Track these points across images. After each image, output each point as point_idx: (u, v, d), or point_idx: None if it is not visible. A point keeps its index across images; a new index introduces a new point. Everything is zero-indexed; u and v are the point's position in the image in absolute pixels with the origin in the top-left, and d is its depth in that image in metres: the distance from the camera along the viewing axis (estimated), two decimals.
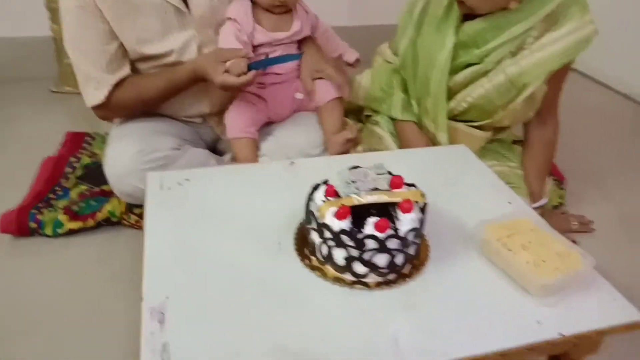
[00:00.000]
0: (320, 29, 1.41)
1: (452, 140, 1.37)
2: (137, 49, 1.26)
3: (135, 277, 1.01)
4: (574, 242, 0.97)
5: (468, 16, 1.28)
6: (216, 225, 0.93)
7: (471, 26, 1.28)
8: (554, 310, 0.78)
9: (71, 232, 1.31)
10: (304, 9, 1.36)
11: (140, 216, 1.34)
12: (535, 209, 1.25)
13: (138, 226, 1.34)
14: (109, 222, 1.34)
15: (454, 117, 1.39)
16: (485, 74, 1.30)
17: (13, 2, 2.05)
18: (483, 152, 1.40)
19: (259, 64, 1.20)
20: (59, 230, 1.29)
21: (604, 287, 0.84)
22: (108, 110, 1.30)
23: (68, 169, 1.52)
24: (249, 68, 1.17)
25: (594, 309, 0.80)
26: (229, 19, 1.28)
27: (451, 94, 1.36)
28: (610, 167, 1.78)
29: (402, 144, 1.43)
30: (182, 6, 1.24)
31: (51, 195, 1.40)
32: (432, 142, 1.40)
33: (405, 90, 1.47)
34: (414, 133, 1.43)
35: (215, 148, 1.51)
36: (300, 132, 1.39)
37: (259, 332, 0.72)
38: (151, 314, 0.74)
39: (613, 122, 2.15)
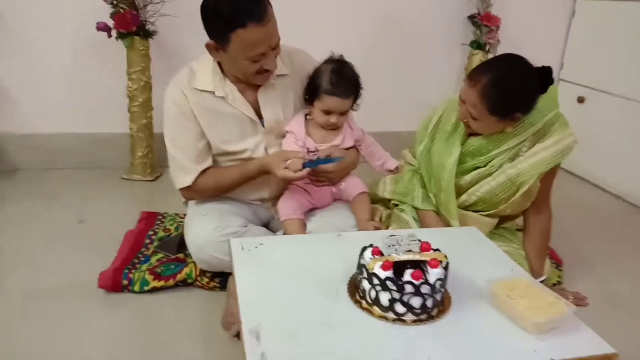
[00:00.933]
0: (365, 142, 1.72)
1: (464, 226, 1.67)
2: (220, 147, 1.62)
3: (208, 326, 1.29)
4: None
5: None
6: (287, 276, 1.22)
7: (474, 141, 1.64)
8: (546, 343, 1.05)
9: (153, 290, 1.60)
10: (349, 126, 1.69)
11: (210, 279, 1.64)
12: None
13: (208, 287, 1.64)
14: (184, 283, 1.63)
15: (465, 208, 1.71)
16: (489, 174, 1.64)
17: (101, 103, 2.50)
18: (491, 236, 1.69)
19: (311, 164, 1.54)
20: (145, 287, 1.59)
21: (585, 329, 1.11)
22: (192, 192, 1.64)
23: (147, 240, 1.85)
24: (304, 166, 1.51)
25: (577, 344, 1.06)
26: (288, 131, 1.65)
27: (462, 190, 1.69)
28: (600, 254, 2.06)
29: (424, 227, 1.74)
30: (255, 118, 1.62)
31: (135, 260, 1.71)
32: (448, 227, 1.71)
33: (424, 186, 1.80)
34: (433, 219, 1.75)
35: (269, 226, 1.83)
36: (339, 216, 1.71)
37: (330, 348, 1.00)
38: (250, 333, 1.02)
39: (603, 218, 2.47)
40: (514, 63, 1.51)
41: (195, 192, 1.65)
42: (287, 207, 1.69)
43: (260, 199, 1.77)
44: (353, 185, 1.74)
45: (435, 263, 1.12)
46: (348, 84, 1.59)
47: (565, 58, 3.02)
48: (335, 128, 1.65)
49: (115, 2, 2.19)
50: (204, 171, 1.61)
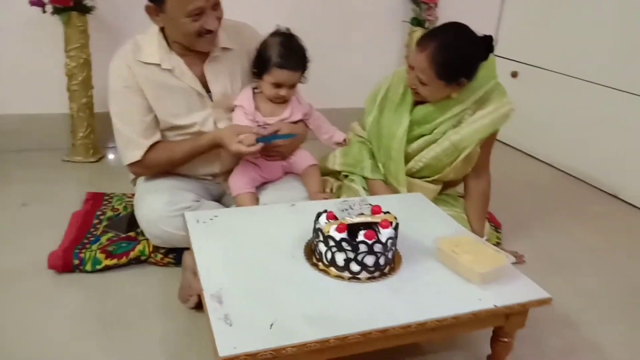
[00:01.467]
0: (313, 116, 1.74)
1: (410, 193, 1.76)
2: (168, 120, 1.61)
3: (164, 301, 1.30)
4: None
5: (419, 101, 1.74)
6: (244, 244, 1.25)
7: (421, 109, 1.72)
8: (489, 292, 1.14)
9: (106, 268, 1.58)
10: (297, 100, 1.72)
11: (165, 254, 1.63)
12: None
13: (163, 263, 1.63)
14: (138, 261, 1.62)
15: (411, 175, 1.80)
16: (434, 141, 1.73)
17: (37, 83, 2.40)
18: (435, 202, 1.78)
19: (264, 139, 1.56)
20: (98, 267, 1.57)
21: (523, 278, 1.21)
22: (142, 167, 1.62)
23: (95, 220, 1.81)
24: (257, 141, 1.53)
25: (517, 291, 1.16)
26: (237, 105, 1.65)
27: (409, 157, 1.77)
28: (535, 218, 2.22)
29: (373, 195, 1.81)
30: (203, 91, 1.62)
31: (85, 240, 1.68)
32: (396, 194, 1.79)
33: (373, 156, 1.87)
34: (382, 188, 1.82)
35: (221, 202, 1.83)
36: (291, 188, 1.75)
37: (289, 307, 1.04)
38: (211, 297, 1.05)
39: (538, 185, 2.64)
40: (460, 31, 1.60)
41: (145, 168, 1.64)
42: (239, 182, 1.71)
43: (211, 174, 1.77)
44: (303, 158, 1.77)
45: (386, 224, 1.18)
46: (298, 56, 1.61)
47: (499, 34, 3.16)
48: (284, 101, 1.68)
49: None
50: (153, 146, 1.60)
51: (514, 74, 3.02)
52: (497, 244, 1.93)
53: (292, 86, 1.64)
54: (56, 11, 2.14)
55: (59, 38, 2.23)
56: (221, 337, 0.95)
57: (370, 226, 1.19)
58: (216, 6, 1.51)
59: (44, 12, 2.14)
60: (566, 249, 2.00)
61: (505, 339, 1.23)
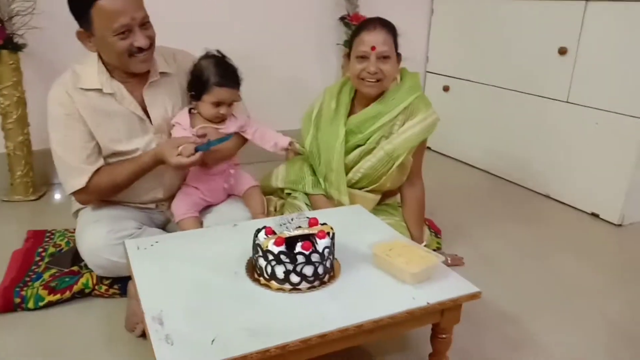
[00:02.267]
0: (251, 128, 1.77)
1: (351, 204, 1.82)
2: (110, 146, 1.62)
3: (111, 332, 1.30)
4: None
5: (351, 113, 1.83)
6: (185, 265, 1.27)
7: (354, 119, 1.83)
8: (422, 290, 1.20)
9: (49, 305, 1.56)
10: (231, 117, 1.76)
11: (109, 286, 1.62)
12: None
13: (108, 295, 1.62)
14: (82, 294, 1.60)
15: (351, 186, 1.87)
16: (370, 152, 1.82)
17: None
18: (375, 212, 1.87)
19: (202, 147, 1.58)
20: (40, 303, 1.54)
21: (453, 275, 1.28)
22: (87, 193, 1.61)
23: (37, 258, 1.78)
24: (196, 150, 1.56)
25: (448, 288, 1.23)
26: (174, 123, 1.69)
27: (347, 169, 1.85)
28: (473, 222, 2.33)
29: (315, 210, 1.87)
30: (144, 116, 1.65)
31: (27, 279, 1.65)
32: (337, 206, 1.85)
33: (313, 173, 1.94)
34: (323, 202, 1.88)
35: (165, 230, 1.84)
36: (234, 210, 1.78)
37: (231, 321, 1.07)
38: (153, 320, 1.07)
39: (473, 190, 2.78)
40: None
41: (90, 194, 1.63)
42: (181, 207, 1.74)
43: (155, 200, 1.78)
44: (243, 180, 1.82)
45: (322, 234, 1.23)
46: (234, 74, 1.68)
47: (430, 52, 3.34)
48: (222, 120, 1.72)
49: None
50: (96, 171, 1.60)
51: (446, 88, 3.18)
52: (438, 249, 2.02)
53: (230, 104, 1.69)
54: None
55: None
56: (163, 358, 0.96)
57: (307, 238, 1.24)
58: (145, 24, 1.55)
59: None
60: (502, 248, 2.11)
61: (444, 335, 1.29)
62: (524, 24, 2.65)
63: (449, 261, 1.89)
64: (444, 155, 3.28)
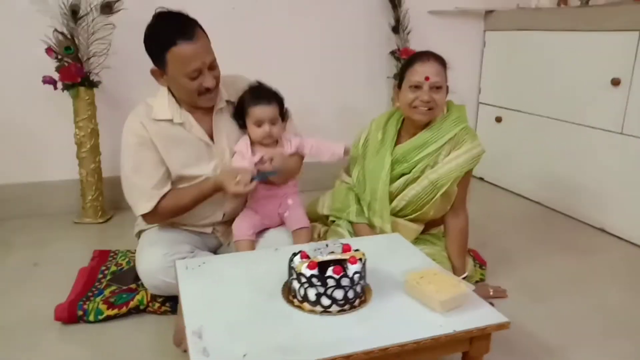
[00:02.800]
0: (307, 147, 1.87)
1: (394, 232, 1.86)
2: (179, 171, 1.75)
3: (160, 346, 1.41)
4: (491, 304, 1.37)
5: (397, 143, 1.90)
6: (227, 286, 1.37)
7: (401, 148, 1.89)
8: (450, 318, 1.23)
9: (108, 318, 1.70)
10: (287, 139, 1.87)
11: (162, 303, 1.75)
12: None
13: (160, 312, 1.75)
14: (137, 310, 1.74)
15: (395, 214, 1.92)
16: (414, 180, 1.86)
17: (50, 152, 2.62)
18: (418, 241, 1.91)
19: (258, 177, 1.71)
20: (100, 317, 1.68)
21: (483, 304, 1.30)
22: (155, 215, 1.75)
23: (100, 275, 1.95)
24: (252, 179, 1.68)
25: (477, 317, 1.25)
26: (236, 151, 1.81)
27: (392, 197, 1.90)
28: (521, 253, 2.30)
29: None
30: (210, 142, 1.79)
31: (89, 294, 1.81)
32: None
33: (358, 202, 2.00)
34: (366, 230, 1.93)
35: (216, 253, 1.95)
36: (285, 237, 1.87)
37: (263, 338, 1.15)
38: (192, 334, 1.16)
39: (524, 221, 2.73)
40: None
41: (157, 215, 1.76)
42: (241, 228, 1.84)
43: (213, 223, 1.90)
44: (296, 218, 1.87)
45: (354, 260, 1.29)
46: (267, 93, 1.79)
47: (482, 84, 3.35)
48: (274, 141, 1.82)
49: (60, 57, 2.34)
50: (163, 196, 1.73)
51: (498, 119, 3.17)
52: (481, 280, 2.01)
53: (274, 122, 1.78)
54: (66, 87, 2.37)
55: (69, 110, 2.45)
56: None
57: (339, 262, 1.30)
58: (213, 66, 1.69)
59: (56, 88, 2.38)
60: (549, 280, 2.07)
61: None
62: (576, 55, 2.62)
63: (492, 293, 1.88)
64: (496, 185, 3.24)
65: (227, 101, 1.83)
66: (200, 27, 1.67)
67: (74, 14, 2.31)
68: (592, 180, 2.60)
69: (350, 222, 1.98)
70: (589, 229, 2.60)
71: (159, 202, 1.72)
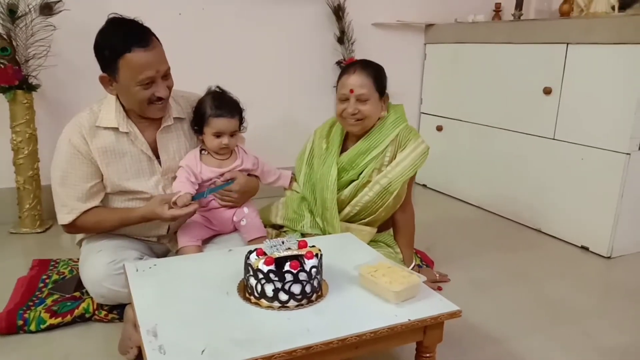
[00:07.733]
0: (260, 167, 1.92)
1: None
2: (118, 184, 1.70)
3: (107, 354, 1.40)
4: (439, 288, 1.41)
5: (343, 150, 1.93)
6: (181, 285, 1.35)
7: (345, 156, 1.92)
8: (404, 308, 1.27)
9: (50, 327, 1.62)
10: (243, 150, 1.87)
11: (109, 311, 1.69)
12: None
13: (107, 319, 1.68)
14: (82, 318, 1.67)
15: (349, 219, 1.94)
16: (364, 185, 1.90)
17: None
18: (372, 244, 1.94)
19: (199, 195, 1.68)
20: (42, 326, 1.60)
21: (435, 295, 1.35)
22: (73, 228, 1.71)
23: (40, 284, 1.85)
24: (193, 198, 1.65)
25: (430, 306, 1.29)
26: (181, 166, 1.77)
27: (344, 203, 1.93)
28: (465, 252, 2.39)
29: None
30: (153, 157, 1.74)
31: (30, 303, 1.71)
32: None
33: (311, 211, 2.02)
34: None
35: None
36: (238, 242, 1.84)
37: (221, 333, 1.13)
38: (147, 333, 1.13)
39: (466, 223, 2.85)
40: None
41: (76, 228, 1.73)
42: (185, 236, 1.81)
43: (158, 236, 1.86)
44: (254, 227, 1.88)
45: (310, 255, 1.31)
46: (230, 104, 1.78)
47: (423, 94, 3.48)
48: (229, 152, 1.81)
49: None
50: (87, 210, 1.68)
51: (439, 128, 3.30)
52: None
53: (232, 134, 1.78)
54: (2, 90, 2.26)
55: (5, 114, 2.33)
56: None
57: (296, 258, 1.31)
58: (166, 76, 1.66)
59: None
60: (492, 276, 2.17)
61: (428, 354, 1.34)
62: (511, 66, 2.79)
63: (438, 277, 2.00)
64: (439, 192, 3.36)
65: (176, 118, 1.79)
66: (155, 36, 1.63)
67: (12, 13, 2.22)
68: (528, 184, 2.75)
69: (304, 235, 1.99)
70: (526, 230, 2.75)
71: (79, 216, 1.67)
